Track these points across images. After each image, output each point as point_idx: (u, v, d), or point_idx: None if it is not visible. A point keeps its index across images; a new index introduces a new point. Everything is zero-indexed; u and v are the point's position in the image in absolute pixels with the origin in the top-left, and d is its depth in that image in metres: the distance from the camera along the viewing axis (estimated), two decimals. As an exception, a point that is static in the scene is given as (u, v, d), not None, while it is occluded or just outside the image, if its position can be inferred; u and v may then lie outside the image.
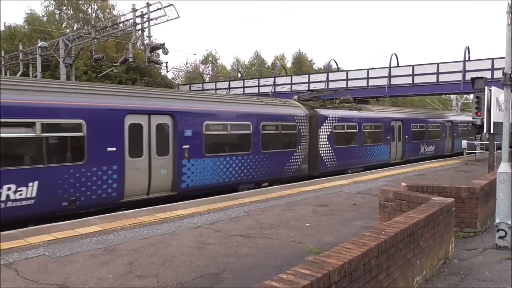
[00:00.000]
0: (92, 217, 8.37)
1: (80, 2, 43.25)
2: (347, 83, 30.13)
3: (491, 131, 10.66)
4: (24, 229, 7.36)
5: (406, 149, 21.81)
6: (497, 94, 10.70)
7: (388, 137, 20.36)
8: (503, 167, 6.85)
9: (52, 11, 42.81)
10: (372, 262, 3.71)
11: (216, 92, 34.34)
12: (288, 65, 62.55)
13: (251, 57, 68.31)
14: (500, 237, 6.67)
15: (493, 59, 24.18)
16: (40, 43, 26.16)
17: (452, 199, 6.20)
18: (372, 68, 30.00)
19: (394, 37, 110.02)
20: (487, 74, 21.91)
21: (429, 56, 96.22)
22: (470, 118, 28.09)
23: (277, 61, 63.31)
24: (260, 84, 34.93)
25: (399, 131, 21.37)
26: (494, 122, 10.45)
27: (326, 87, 30.70)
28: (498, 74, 22.21)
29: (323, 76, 31.98)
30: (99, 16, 43.41)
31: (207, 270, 5.33)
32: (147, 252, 6.00)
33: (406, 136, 21.88)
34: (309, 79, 32.26)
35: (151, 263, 5.55)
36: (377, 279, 3.82)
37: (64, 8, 43.54)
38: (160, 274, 5.18)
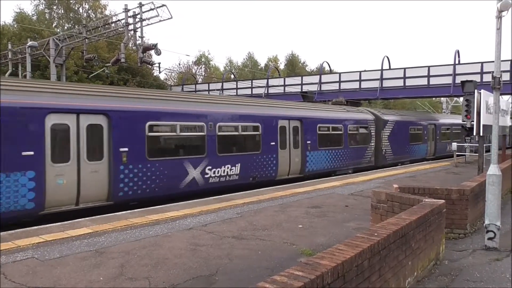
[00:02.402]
0: (82, 218, 8.28)
1: (71, 1, 42.83)
2: (339, 85, 30.29)
3: (481, 134, 10.80)
4: (13, 231, 7.25)
5: (118, 177, 9.94)
6: (486, 97, 10.85)
7: (29, 154, 8.54)
8: (493, 169, 6.95)
9: (42, 10, 42.31)
10: (364, 264, 3.73)
11: (209, 93, 34.27)
12: (281, 67, 62.62)
13: (244, 59, 68.35)
14: (489, 238, 6.75)
15: (482, 63, 24.53)
16: (29, 43, 25.83)
17: (443, 201, 6.27)
18: (365, 71, 30.22)
19: (386, 39, 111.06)
20: (477, 78, 22.22)
21: (420, 59, 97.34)
22: (347, 114, 18.60)
23: (270, 62, 63.37)
24: (253, 86, 34.96)
25: (103, 139, 9.91)
26: (483, 125, 10.61)
27: (319, 89, 30.85)
28: (487, 78, 22.53)
29: (315, 78, 32.11)
30: (91, 16, 43.05)
31: (200, 272, 5.30)
32: (138, 254, 5.95)
33: (126, 149, 10.04)
34: (302, 81, 32.37)
35: (143, 265, 5.51)
36: (369, 280, 3.84)
37: (55, 7, 43.07)
38: (152, 276, 5.14)
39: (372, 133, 19.89)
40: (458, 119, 30.56)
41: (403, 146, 22.40)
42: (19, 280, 4.97)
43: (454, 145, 22.29)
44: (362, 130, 19.36)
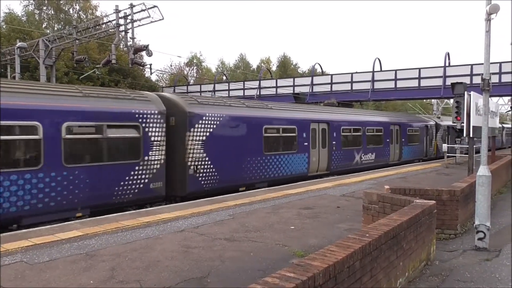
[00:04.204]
0: (72, 221, 8.19)
1: (61, 2, 42.42)
2: (331, 86, 30.44)
3: (471, 135, 10.94)
4: (1, 234, 7.14)
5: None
6: (476, 99, 11.00)
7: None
8: (482, 170, 7.02)
9: (31, 11, 41.84)
10: (356, 265, 3.74)
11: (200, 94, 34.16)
12: (273, 68, 62.76)
13: (236, 60, 68.34)
14: (479, 239, 6.82)
15: (472, 65, 24.84)
16: (19, 43, 25.52)
17: (434, 202, 6.31)
18: (356, 72, 30.43)
19: (377, 41, 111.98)
20: (467, 80, 22.50)
21: (411, 61, 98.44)
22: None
23: (262, 64, 63.44)
24: (245, 87, 34.98)
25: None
26: (473, 126, 10.74)
27: (311, 91, 30.97)
28: (477, 80, 22.82)
29: (307, 80, 32.22)
30: (81, 17, 42.68)
31: (191, 274, 5.27)
32: (129, 257, 5.90)
33: (334, 142, 17.66)
34: (293, 83, 32.48)
35: (134, 268, 5.45)
36: (361, 281, 3.85)
37: (45, 8, 42.62)
38: (143, 279, 5.09)
39: (156, 138, 11.00)
40: (378, 117, 22.33)
41: (248, 159, 13.39)
42: (7, 285, 4.88)
43: (444, 146, 22.48)
44: (120, 133, 10.41)
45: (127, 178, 10.36)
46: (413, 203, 6.00)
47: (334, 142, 17.81)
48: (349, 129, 19.03)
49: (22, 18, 39.32)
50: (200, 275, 5.24)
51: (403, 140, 23.12)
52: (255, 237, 6.99)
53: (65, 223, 8.02)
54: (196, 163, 11.80)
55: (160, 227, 7.68)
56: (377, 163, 20.59)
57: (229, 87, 36.37)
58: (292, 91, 31.68)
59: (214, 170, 12.30)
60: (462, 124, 11.88)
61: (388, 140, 21.72)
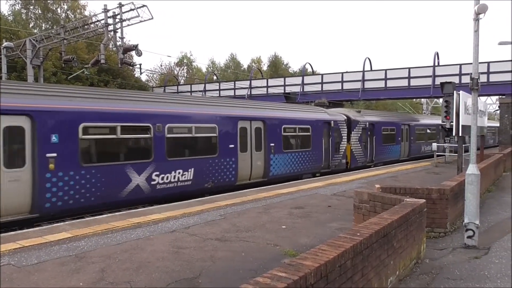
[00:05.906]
0: (61, 223, 8.08)
1: (48, 1, 41.86)
2: (322, 86, 30.56)
3: (460, 134, 11.05)
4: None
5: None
6: (465, 99, 11.12)
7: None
8: (471, 168, 7.10)
9: (18, 10, 41.20)
10: (347, 264, 3.74)
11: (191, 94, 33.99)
12: (264, 68, 62.76)
13: (226, 60, 68.17)
14: (469, 237, 6.90)
15: (460, 65, 25.16)
16: (5, 43, 25.13)
17: (424, 200, 6.36)
18: (347, 72, 30.60)
19: (367, 41, 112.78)
20: (456, 79, 22.79)
21: (401, 60, 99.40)
22: None
23: (253, 64, 63.39)
24: (236, 87, 34.93)
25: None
26: (462, 126, 10.86)
27: (302, 90, 31.07)
28: (465, 79, 23.12)
29: (298, 79, 32.30)
30: (69, 16, 42.16)
31: (183, 275, 5.23)
32: (120, 258, 5.83)
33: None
34: (284, 82, 32.53)
35: (124, 269, 5.39)
36: (352, 280, 3.85)
37: (32, 7, 42.01)
38: (133, 280, 5.04)
39: None
40: (206, 107, 12.82)
41: None
42: (-7, 288, 4.79)
43: (434, 145, 22.70)
44: None
45: None
46: (404, 202, 6.04)
47: (52, 155, 8.93)
48: (110, 128, 10.23)
49: (9, 18, 38.69)
50: (191, 275, 5.21)
51: (272, 144, 14.63)
52: (247, 237, 6.97)
53: (54, 225, 7.91)
54: None
55: (151, 227, 7.61)
56: (202, 185, 12.24)
57: (219, 87, 36.29)
58: (283, 91, 31.73)
59: None
60: (452, 123, 12.00)
61: (232, 145, 13.15)
